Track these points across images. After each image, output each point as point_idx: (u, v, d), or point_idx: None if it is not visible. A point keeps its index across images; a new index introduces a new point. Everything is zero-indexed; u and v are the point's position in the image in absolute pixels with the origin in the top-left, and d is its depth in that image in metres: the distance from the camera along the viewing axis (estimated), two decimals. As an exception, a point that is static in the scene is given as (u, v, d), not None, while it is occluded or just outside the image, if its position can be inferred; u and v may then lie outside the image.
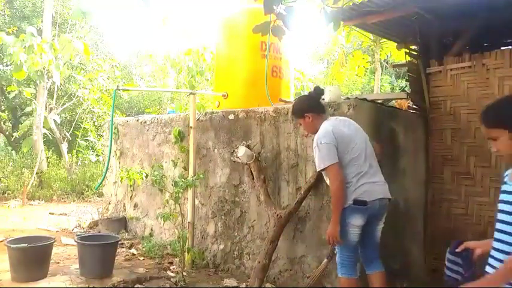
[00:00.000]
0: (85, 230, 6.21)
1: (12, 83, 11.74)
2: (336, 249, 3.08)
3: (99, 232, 5.74)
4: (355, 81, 15.76)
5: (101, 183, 5.55)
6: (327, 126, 3.06)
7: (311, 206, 3.86)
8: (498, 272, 1.72)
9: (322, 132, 3.02)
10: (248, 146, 4.37)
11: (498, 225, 1.78)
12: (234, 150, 4.52)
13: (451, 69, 4.22)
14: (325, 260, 3.43)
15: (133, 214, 5.98)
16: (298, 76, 10.32)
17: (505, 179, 1.84)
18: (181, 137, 5.17)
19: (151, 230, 5.63)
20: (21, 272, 3.95)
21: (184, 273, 4.16)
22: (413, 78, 4.54)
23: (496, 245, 1.77)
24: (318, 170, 3.07)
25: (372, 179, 2.98)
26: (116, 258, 4.45)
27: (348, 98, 3.95)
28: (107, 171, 4.88)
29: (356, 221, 2.93)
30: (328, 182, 3.10)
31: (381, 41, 9.79)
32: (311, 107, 3.21)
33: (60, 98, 12.21)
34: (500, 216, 1.78)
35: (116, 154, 6.31)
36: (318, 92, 3.29)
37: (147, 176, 5.04)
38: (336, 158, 2.91)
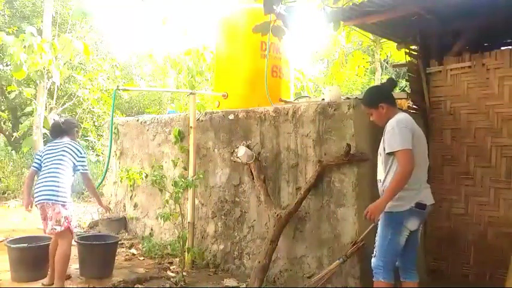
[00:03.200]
0: (85, 230, 6.21)
1: (12, 83, 11.73)
2: (375, 253, 3.00)
3: (99, 232, 5.74)
4: (355, 81, 15.74)
5: (101, 183, 5.55)
6: (406, 115, 3.00)
7: (311, 206, 3.86)
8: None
9: (402, 118, 2.94)
10: (248, 146, 4.37)
11: None
12: (234, 150, 4.52)
13: (451, 69, 4.22)
14: (338, 261, 3.42)
15: (133, 214, 5.98)
16: (298, 76, 10.32)
17: None
18: (181, 137, 5.17)
19: (151, 230, 5.63)
20: (21, 272, 3.95)
21: (184, 273, 4.17)
22: (413, 78, 4.54)
23: None
24: (387, 152, 2.90)
25: (426, 183, 3.00)
26: (116, 258, 4.45)
27: (348, 98, 3.95)
28: (106, 171, 4.88)
29: (412, 225, 2.90)
30: (381, 168, 3.02)
31: (381, 41, 9.78)
32: (386, 97, 3.12)
33: (60, 98, 12.20)
34: None
35: (116, 154, 6.32)
36: (392, 83, 3.23)
37: (147, 176, 5.04)
38: (411, 145, 2.83)
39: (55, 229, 3.72)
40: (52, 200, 3.70)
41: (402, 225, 2.88)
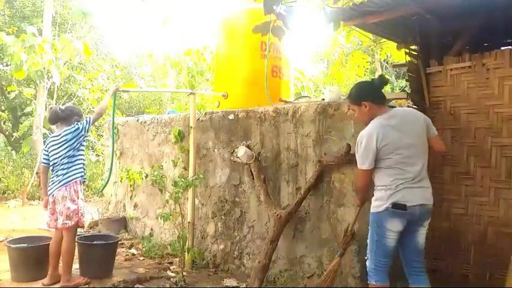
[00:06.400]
0: (85, 230, 6.20)
1: (12, 83, 11.73)
2: (367, 256, 2.97)
3: (99, 232, 5.74)
4: (355, 81, 15.74)
5: (105, 186, 5.52)
6: (376, 126, 2.85)
7: (311, 206, 3.86)
8: None
9: (367, 132, 2.85)
10: (248, 146, 4.37)
11: None
12: (234, 150, 4.52)
13: (451, 69, 4.22)
14: (337, 257, 3.39)
15: (133, 214, 5.98)
16: (298, 76, 10.32)
17: None
18: (181, 137, 5.17)
19: (151, 230, 5.63)
20: (21, 272, 3.96)
21: (184, 273, 4.17)
22: (413, 78, 4.53)
23: None
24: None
25: (416, 183, 2.84)
26: (116, 258, 4.45)
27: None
28: (110, 174, 4.86)
29: (393, 226, 2.82)
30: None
31: (381, 41, 9.79)
32: (371, 95, 2.96)
33: (60, 98, 12.19)
34: None
35: (116, 154, 6.32)
36: (382, 81, 3.09)
37: (147, 176, 5.04)
38: (368, 164, 2.82)
39: (66, 223, 3.86)
40: (64, 184, 3.90)
41: (382, 225, 2.83)
